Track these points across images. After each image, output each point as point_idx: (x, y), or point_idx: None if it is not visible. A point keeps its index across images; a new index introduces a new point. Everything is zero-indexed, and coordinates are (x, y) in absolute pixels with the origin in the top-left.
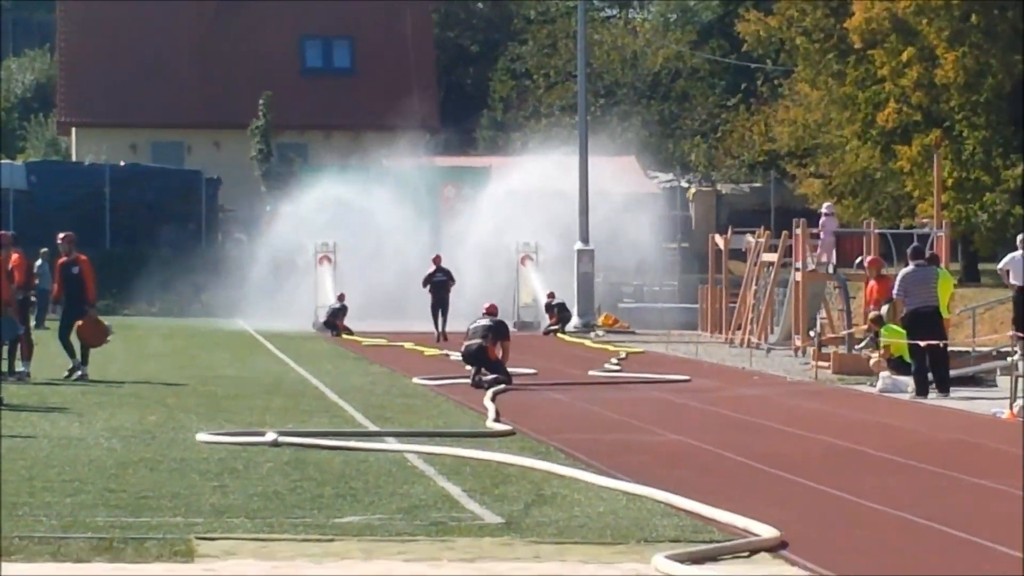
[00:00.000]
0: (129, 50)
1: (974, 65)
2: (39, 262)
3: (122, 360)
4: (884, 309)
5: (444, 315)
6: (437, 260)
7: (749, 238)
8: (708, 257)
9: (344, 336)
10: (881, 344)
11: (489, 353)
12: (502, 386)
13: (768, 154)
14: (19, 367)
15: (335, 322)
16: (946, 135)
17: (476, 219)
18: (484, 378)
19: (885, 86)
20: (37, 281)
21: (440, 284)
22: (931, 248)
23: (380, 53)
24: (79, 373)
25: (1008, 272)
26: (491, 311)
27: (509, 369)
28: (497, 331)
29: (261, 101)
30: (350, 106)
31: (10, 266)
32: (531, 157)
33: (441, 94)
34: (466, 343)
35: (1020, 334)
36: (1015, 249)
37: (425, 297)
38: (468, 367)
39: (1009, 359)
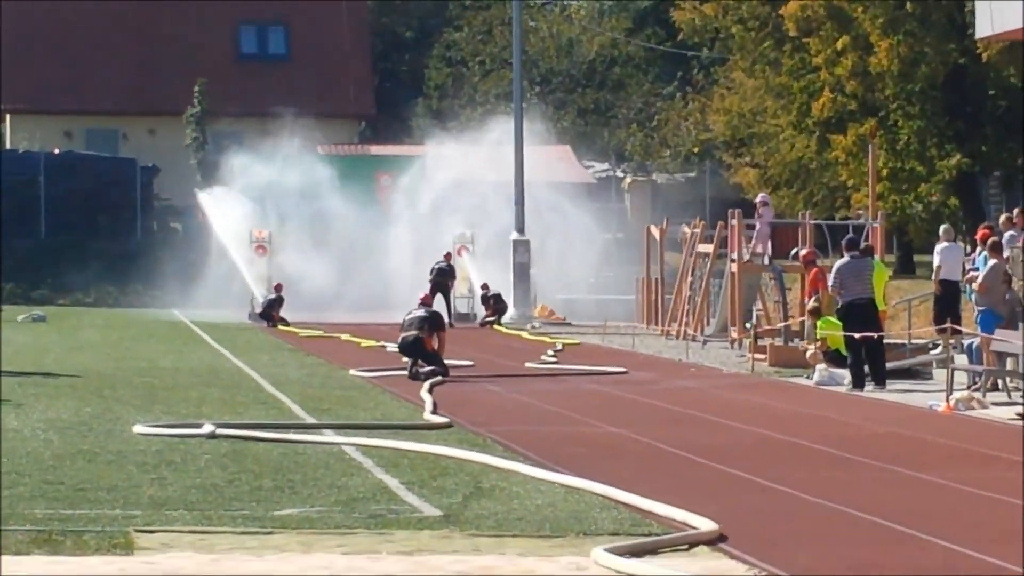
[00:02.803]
0: (63, 36)
1: (908, 53)
2: None
3: (57, 351)
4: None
5: (446, 301)
6: (448, 257)
7: (685, 229)
8: (644, 248)
9: (280, 327)
10: (817, 336)
11: (426, 344)
12: (439, 378)
13: (703, 144)
14: None
15: (271, 313)
16: (881, 125)
17: (412, 208)
18: (421, 370)
19: (820, 75)
20: None
21: (443, 271)
22: (866, 239)
23: (315, 40)
24: None
25: (939, 268)
26: (426, 301)
27: (446, 361)
28: (433, 322)
29: (196, 88)
30: (285, 93)
31: None
32: (466, 145)
33: (376, 81)
34: (402, 334)
35: (956, 327)
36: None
37: (361, 288)
38: (405, 359)
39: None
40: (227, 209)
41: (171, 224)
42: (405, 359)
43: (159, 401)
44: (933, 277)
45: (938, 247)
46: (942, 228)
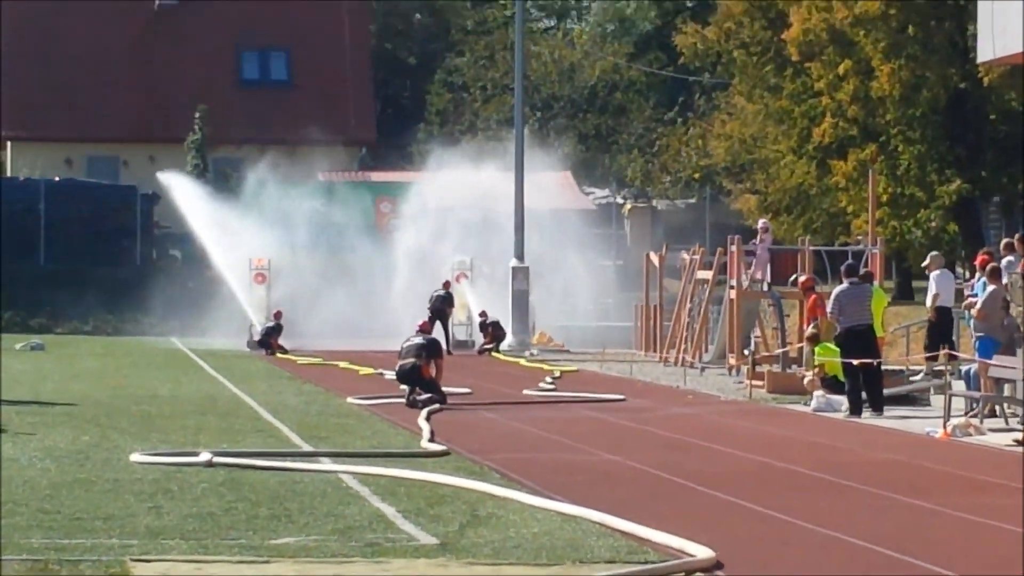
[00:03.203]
0: (64, 63)
1: (910, 78)
2: None
3: (55, 379)
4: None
5: (444, 329)
6: (447, 285)
7: (684, 255)
8: (643, 275)
9: (278, 355)
10: (815, 363)
11: (423, 372)
12: (436, 406)
13: (704, 170)
14: None
15: (269, 340)
16: (882, 150)
17: (411, 235)
18: (418, 398)
19: (822, 100)
20: None
21: (442, 299)
22: (865, 265)
23: (317, 65)
24: None
25: (937, 296)
26: (424, 329)
27: (444, 388)
28: (431, 349)
29: (197, 114)
30: (287, 119)
31: None
32: (467, 172)
33: (378, 107)
34: (400, 362)
35: (952, 352)
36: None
37: (360, 315)
38: (402, 386)
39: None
40: (190, 192)
41: (170, 251)
42: (403, 387)
43: (156, 429)
44: (930, 305)
45: (933, 274)
46: (932, 255)
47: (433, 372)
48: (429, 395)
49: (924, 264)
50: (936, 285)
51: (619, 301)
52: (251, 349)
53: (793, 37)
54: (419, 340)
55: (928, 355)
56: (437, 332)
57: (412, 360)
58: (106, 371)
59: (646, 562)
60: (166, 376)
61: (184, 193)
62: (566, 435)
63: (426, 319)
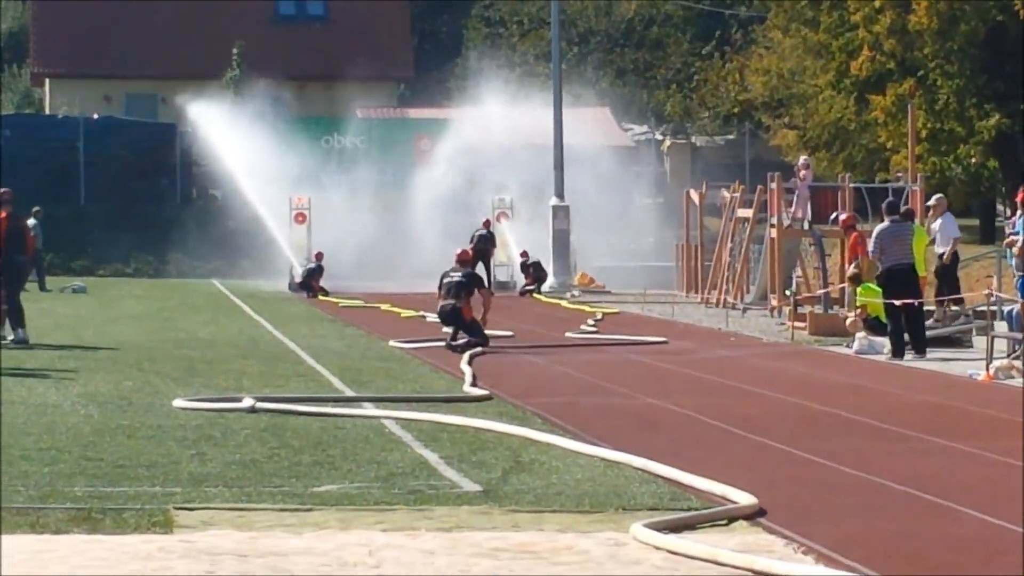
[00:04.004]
0: (100, 1)
1: (947, 11)
2: (32, 221)
3: (97, 323)
4: (850, 268)
5: (487, 269)
6: (487, 224)
7: (724, 193)
8: (683, 213)
9: (320, 297)
10: (857, 303)
11: (464, 314)
12: (478, 349)
13: (742, 105)
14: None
15: (311, 283)
16: (920, 85)
17: (451, 173)
18: (456, 343)
19: (859, 33)
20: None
21: (483, 238)
22: (906, 203)
23: (353, 1)
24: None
25: (956, 239)
26: (463, 259)
27: (487, 331)
28: (470, 286)
29: (235, 51)
30: (323, 56)
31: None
32: (505, 108)
33: (415, 42)
34: (441, 302)
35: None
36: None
37: (401, 256)
38: (445, 328)
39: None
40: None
41: (210, 191)
42: (445, 329)
43: (198, 374)
44: (949, 249)
45: (942, 218)
46: (938, 198)
47: (474, 312)
48: (467, 340)
49: (930, 204)
50: (950, 228)
51: (659, 240)
52: (292, 291)
53: None
54: (458, 277)
55: (939, 299)
56: (479, 272)
57: (452, 302)
58: (148, 314)
59: (688, 509)
60: (207, 319)
61: (213, 125)
62: (608, 379)
63: (465, 248)
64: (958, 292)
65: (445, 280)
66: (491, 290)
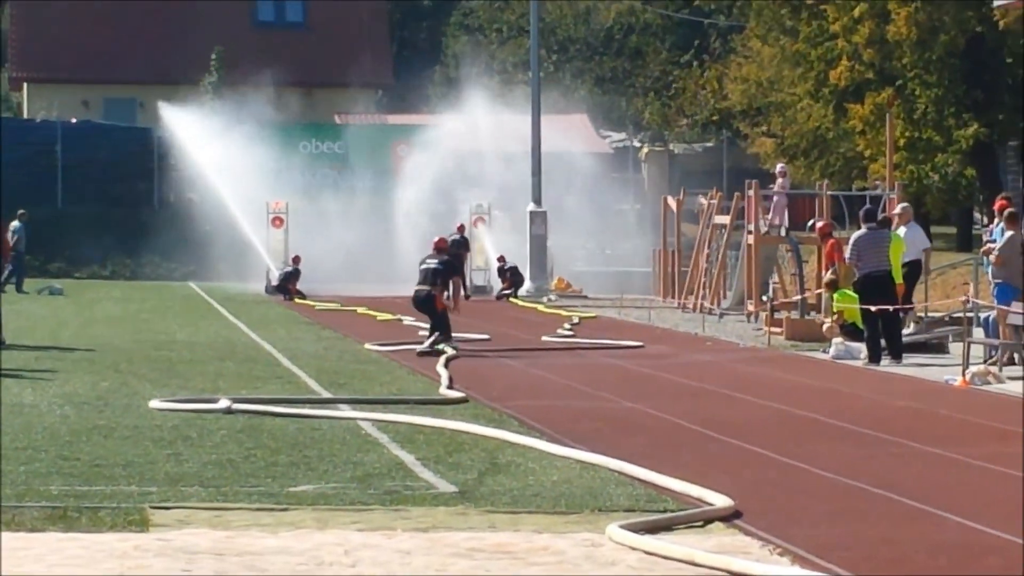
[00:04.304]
0: (80, 5)
1: (926, 21)
2: (15, 224)
3: (74, 324)
4: (827, 274)
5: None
6: (460, 229)
7: (701, 200)
8: (661, 219)
9: (297, 300)
10: (834, 309)
11: (436, 302)
12: (450, 352)
13: (721, 113)
14: None
15: (288, 286)
16: (899, 94)
17: (428, 179)
18: (421, 347)
19: (838, 43)
20: (18, 243)
21: (457, 243)
22: (883, 210)
23: (333, 7)
24: None
25: (928, 251)
26: (440, 246)
27: (462, 335)
28: (445, 273)
29: (213, 56)
30: (302, 62)
31: None
32: (483, 115)
33: (394, 49)
34: (416, 288)
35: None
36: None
37: (377, 260)
38: (420, 325)
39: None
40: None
41: (187, 195)
42: (421, 332)
43: (176, 375)
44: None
45: (907, 226)
46: (903, 207)
47: (447, 302)
48: (432, 336)
49: (896, 213)
50: (915, 238)
51: (637, 246)
52: (269, 294)
53: None
54: (434, 264)
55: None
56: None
57: (427, 288)
58: (125, 316)
59: (665, 510)
60: (185, 321)
61: (187, 130)
62: (585, 382)
63: (442, 236)
64: (910, 302)
65: (422, 267)
66: (467, 295)
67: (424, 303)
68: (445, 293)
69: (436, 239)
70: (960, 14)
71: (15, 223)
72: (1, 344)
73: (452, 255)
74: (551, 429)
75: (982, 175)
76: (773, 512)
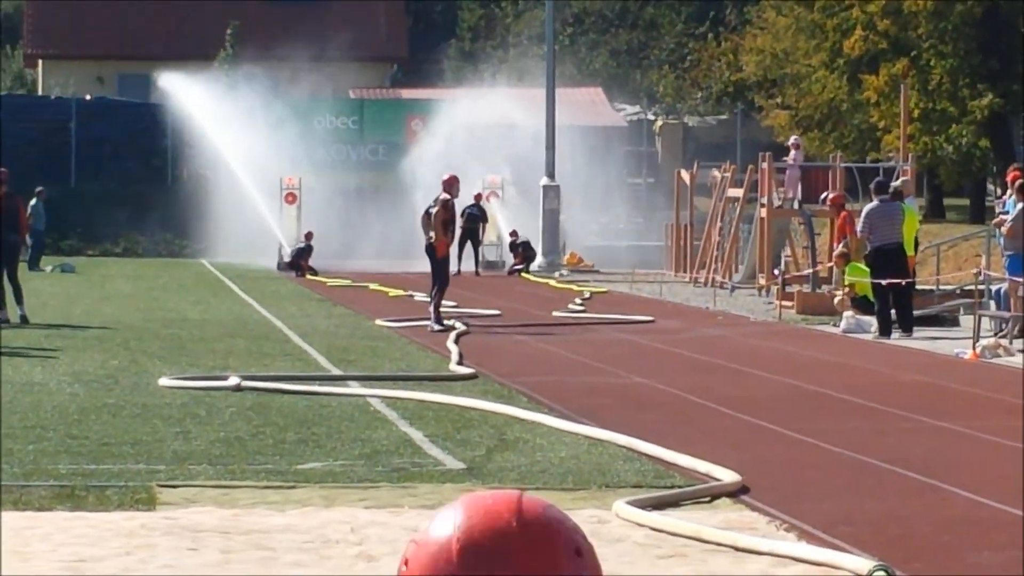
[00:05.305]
0: None
1: None
2: (33, 201)
3: (86, 302)
4: (839, 247)
5: (475, 249)
6: (478, 198)
7: (715, 173)
8: (674, 193)
9: (308, 277)
10: (845, 283)
11: (437, 251)
12: (463, 328)
13: (735, 84)
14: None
15: (300, 262)
16: (913, 64)
17: (442, 153)
18: (432, 319)
19: (853, 13)
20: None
21: (473, 215)
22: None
23: None
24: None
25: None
26: (449, 184)
27: (473, 311)
28: (435, 215)
29: (228, 31)
30: (317, 36)
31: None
32: (498, 88)
33: (409, 23)
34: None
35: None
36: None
37: (390, 236)
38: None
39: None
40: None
41: (201, 171)
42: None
43: (186, 353)
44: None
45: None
46: (902, 180)
47: (446, 247)
48: (432, 289)
49: (895, 185)
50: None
51: (650, 220)
52: (281, 270)
53: None
54: (430, 207)
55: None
56: (468, 252)
57: (427, 239)
58: (136, 293)
59: (672, 486)
60: (196, 298)
61: (208, 107)
62: (595, 357)
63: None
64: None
65: (423, 216)
66: (478, 270)
67: (426, 251)
68: (443, 241)
69: (447, 175)
70: None
71: (33, 200)
72: (4, 322)
73: (468, 227)
74: (560, 405)
75: (996, 146)
76: (781, 487)
